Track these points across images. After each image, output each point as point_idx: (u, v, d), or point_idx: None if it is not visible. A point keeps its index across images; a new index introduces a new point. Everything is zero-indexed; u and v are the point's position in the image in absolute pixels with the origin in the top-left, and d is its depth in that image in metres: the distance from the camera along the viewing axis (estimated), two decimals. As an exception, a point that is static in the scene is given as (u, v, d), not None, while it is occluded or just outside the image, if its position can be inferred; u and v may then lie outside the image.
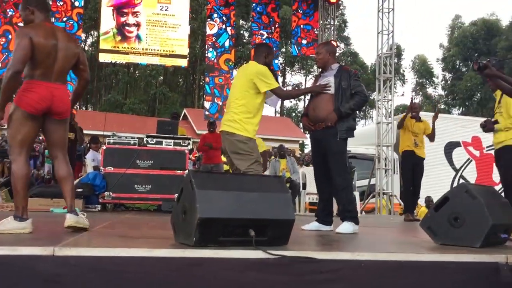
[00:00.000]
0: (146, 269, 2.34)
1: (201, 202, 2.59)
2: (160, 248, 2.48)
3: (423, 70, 47.95)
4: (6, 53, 9.42)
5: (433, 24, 77.11)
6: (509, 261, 2.69)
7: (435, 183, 12.16)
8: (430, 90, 49.05)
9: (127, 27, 10.12)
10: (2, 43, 9.55)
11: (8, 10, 9.55)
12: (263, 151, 6.58)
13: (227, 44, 10.41)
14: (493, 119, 5.32)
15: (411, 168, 7.13)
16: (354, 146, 13.73)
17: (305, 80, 43.22)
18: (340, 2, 39.76)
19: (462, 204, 3.15)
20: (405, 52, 49.30)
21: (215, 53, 10.34)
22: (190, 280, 2.35)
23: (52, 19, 9.98)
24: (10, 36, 9.45)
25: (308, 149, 38.20)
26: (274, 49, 10.62)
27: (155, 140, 7.56)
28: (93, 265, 2.30)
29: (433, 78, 48.51)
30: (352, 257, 2.57)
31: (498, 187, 6.27)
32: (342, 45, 43.39)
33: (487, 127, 5.36)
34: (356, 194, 8.96)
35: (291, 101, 44.22)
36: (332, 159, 4.37)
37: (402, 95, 47.64)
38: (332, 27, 11.34)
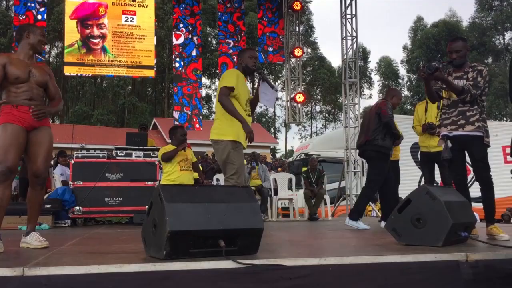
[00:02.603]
0: (118, 285, 2.36)
1: (171, 215, 2.63)
2: (130, 263, 2.50)
3: (388, 72, 48.97)
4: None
5: (396, 26, 78.72)
6: (469, 258, 2.83)
7: (404, 183, 12.38)
8: (396, 91, 50.10)
9: (92, 39, 10.05)
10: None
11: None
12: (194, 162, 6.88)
13: (194, 53, 10.44)
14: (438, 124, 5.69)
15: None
16: (324, 150, 13.94)
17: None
18: (305, 8, 40.19)
19: (423, 205, 3.28)
20: (371, 54, 50.19)
21: (182, 63, 10.36)
22: (162, 293, 2.39)
23: (14, 33, 9.85)
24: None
25: (279, 154, 38.44)
26: (241, 57, 10.72)
27: (124, 152, 7.50)
28: (64, 284, 2.31)
29: (399, 80, 49.59)
30: (319, 262, 2.65)
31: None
32: (309, 50, 43.93)
33: (436, 130, 5.69)
34: (327, 197, 9.10)
35: (261, 107, 44.46)
36: None
37: (370, 97, 48.49)
38: (297, 35, 11.52)
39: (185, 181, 6.56)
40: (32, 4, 9.70)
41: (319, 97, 46.77)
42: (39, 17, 9.75)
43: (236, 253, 2.74)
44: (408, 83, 48.80)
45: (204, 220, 2.73)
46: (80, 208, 7.04)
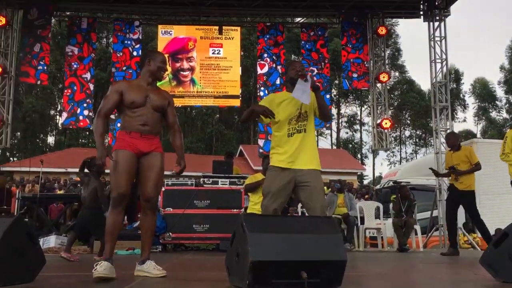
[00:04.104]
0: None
1: (253, 245, 2.65)
2: (214, 292, 2.54)
3: (484, 94, 46.21)
4: (72, 104, 10.08)
5: (491, 46, 74.50)
6: None
7: (505, 213, 11.42)
8: (493, 114, 47.11)
9: (182, 72, 10.60)
10: (68, 94, 10.23)
11: (73, 63, 10.26)
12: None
13: (278, 82, 10.60)
14: None
15: (454, 202, 6.81)
16: (414, 177, 13.37)
17: (361, 111, 42.85)
18: (392, 31, 39.21)
19: (524, 240, 3.02)
20: (464, 76, 47.59)
21: (266, 91, 10.55)
22: (243, 324, 2.39)
23: (113, 69, 10.66)
24: (75, 88, 10.12)
25: (366, 181, 37.44)
26: (325, 84, 10.72)
27: (211, 180, 7.73)
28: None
29: (496, 102, 46.60)
30: (407, 298, 2.52)
31: None
32: (397, 74, 42.84)
33: None
34: (418, 227, 8.68)
35: (347, 132, 43.86)
36: None
37: (464, 120, 46.00)
38: (383, 60, 11.29)
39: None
40: (129, 42, 10.46)
41: (408, 121, 45.19)
42: (135, 53, 10.45)
43: (319, 285, 2.69)
44: (507, 105, 45.65)
45: (287, 251, 2.71)
46: (170, 234, 7.31)
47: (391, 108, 41.27)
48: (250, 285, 2.61)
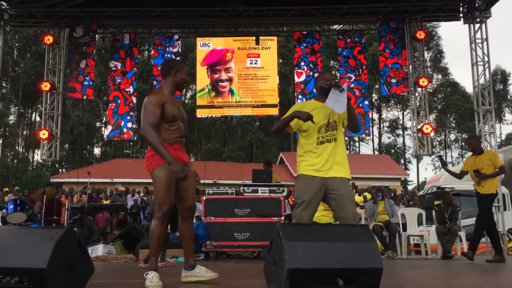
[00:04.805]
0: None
1: (289, 253, 2.71)
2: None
3: (533, 94, 44.46)
4: (116, 117, 10.46)
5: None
6: None
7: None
8: (543, 115, 45.22)
9: (220, 83, 10.82)
10: (112, 107, 10.63)
11: (116, 78, 10.66)
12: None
13: (315, 90, 10.63)
14: None
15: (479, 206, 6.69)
16: (459, 182, 13.03)
17: (403, 115, 42.07)
18: (433, 33, 38.24)
19: None
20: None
21: (304, 99, 10.60)
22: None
23: (154, 82, 11.00)
24: (119, 101, 10.51)
25: (411, 186, 36.55)
26: (363, 90, 10.68)
27: (251, 188, 7.83)
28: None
29: (547, 102, 44.71)
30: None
31: None
32: (439, 76, 41.87)
33: None
34: (462, 234, 8.48)
35: (389, 137, 43.14)
36: None
37: (512, 123, 44.28)
38: (422, 64, 11.13)
39: (324, 220, 6.69)
40: (169, 55, 10.79)
41: (453, 124, 43.99)
42: (175, 65, 10.75)
43: (355, 293, 2.72)
44: (559, 105, 43.75)
45: (323, 259, 2.76)
46: (212, 242, 7.45)
47: (434, 111, 40.34)
48: (288, 293, 2.67)
